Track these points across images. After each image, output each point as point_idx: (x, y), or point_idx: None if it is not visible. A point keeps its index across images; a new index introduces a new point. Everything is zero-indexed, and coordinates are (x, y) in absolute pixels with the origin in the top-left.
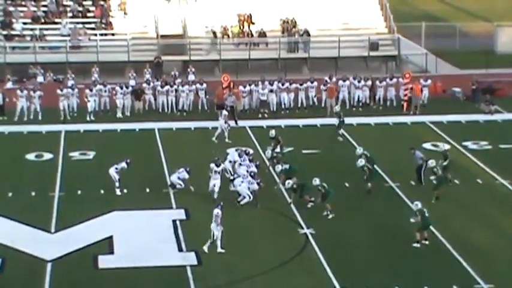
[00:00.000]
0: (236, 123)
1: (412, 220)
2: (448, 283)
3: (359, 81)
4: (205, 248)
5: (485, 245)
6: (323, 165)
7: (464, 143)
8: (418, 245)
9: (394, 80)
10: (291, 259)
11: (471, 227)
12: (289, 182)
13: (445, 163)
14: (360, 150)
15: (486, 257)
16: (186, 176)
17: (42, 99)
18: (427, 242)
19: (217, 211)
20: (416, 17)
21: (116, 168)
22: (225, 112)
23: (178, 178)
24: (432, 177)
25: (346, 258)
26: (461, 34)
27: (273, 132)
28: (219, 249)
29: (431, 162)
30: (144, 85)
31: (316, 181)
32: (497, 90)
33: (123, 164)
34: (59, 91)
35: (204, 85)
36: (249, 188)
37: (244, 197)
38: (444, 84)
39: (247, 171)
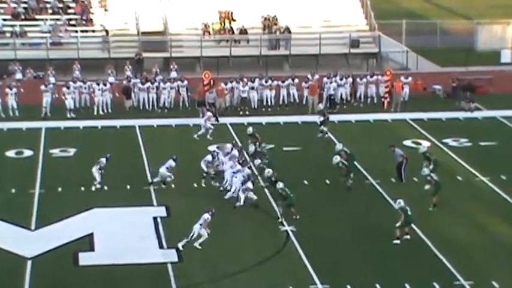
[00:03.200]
0: (217, 120)
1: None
2: (428, 280)
3: (341, 79)
4: (179, 245)
5: (465, 242)
6: (304, 162)
7: (445, 140)
8: (398, 242)
9: (375, 77)
10: (272, 256)
11: (451, 224)
12: (269, 171)
13: (431, 166)
14: (339, 146)
15: (466, 253)
16: (173, 164)
17: (21, 96)
18: (408, 237)
19: (207, 216)
20: (397, 15)
21: (100, 169)
22: (209, 113)
23: (167, 169)
24: (427, 187)
25: (327, 256)
26: (441, 32)
27: (250, 130)
28: (196, 244)
29: (423, 171)
30: (134, 81)
31: (280, 185)
32: (477, 88)
33: (103, 160)
34: (42, 87)
35: (185, 82)
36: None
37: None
38: (425, 81)
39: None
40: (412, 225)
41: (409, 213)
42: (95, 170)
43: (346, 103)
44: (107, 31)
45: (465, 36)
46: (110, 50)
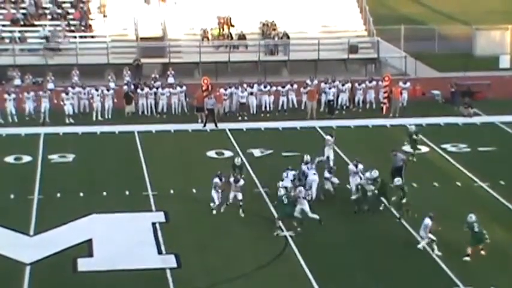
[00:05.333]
0: (216, 125)
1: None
2: (427, 285)
3: (343, 85)
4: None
5: (464, 247)
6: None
7: (443, 146)
8: (468, 259)
9: (374, 82)
10: (271, 261)
11: (450, 229)
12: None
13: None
14: (375, 173)
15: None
16: (218, 181)
17: (18, 101)
18: (482, 252)
19: (216, 180)
20: (395, 20)
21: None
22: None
23: (216, 189)
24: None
25: (326, 261)
26: (440, 37)
27: (239, 161)
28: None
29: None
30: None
31: (281, 191)
32: (475, 93)
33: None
34: (41, 93)
35: (184, 88)
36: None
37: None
38: (423, 87)
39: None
40: (410, 230)
41: (476, 230)
42: (214, 193)
43: (345, 108)
44: None
45: (463, 42)
46: (108, 55)
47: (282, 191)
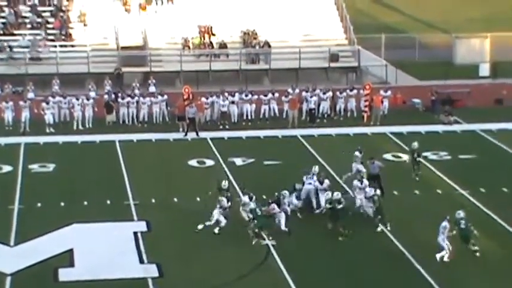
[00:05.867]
0: (197, 134)
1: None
2: None
3: (324, 93)
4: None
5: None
6: (284, 176)
7: (424, 154)
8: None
9: (355, 91)
10: (253, 270)
11: (431, 236)
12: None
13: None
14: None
15: (446, 266)
16: (247, 199)
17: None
18: (476, 248)
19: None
20: (376, 29)
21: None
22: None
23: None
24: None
25: (307, 268)
26: (420, 45)
27: (226, 184)
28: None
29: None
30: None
31: (251, 205)
32: (456, 101)
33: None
34: (21, 103)
35: (165, 97)
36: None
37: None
38: (404, 95)
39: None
40: (392, 238)
41: (462, 226)
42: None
43: (326, 117)
44: None
45: (443, 50)
46: (89, 65)
47: (252, 204)
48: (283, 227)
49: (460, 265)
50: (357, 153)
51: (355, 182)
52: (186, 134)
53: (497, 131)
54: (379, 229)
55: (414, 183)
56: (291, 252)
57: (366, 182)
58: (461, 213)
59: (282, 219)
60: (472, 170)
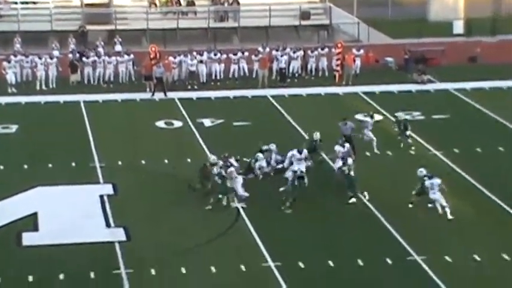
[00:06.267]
0: (165, 94)
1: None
2: (381, 256)
3: (294, 52)
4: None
5: (418, 216)
6: (254, 137)
7: (397, 114)
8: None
9: (326, 49)
10: (222, 234)
11: (404, 198)
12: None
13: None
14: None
15: (419, 228)
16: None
17: None
18: (430, 205)
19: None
20: None
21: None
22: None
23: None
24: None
25: (278, 233)
26: (393, 3)
27: (215, 158)
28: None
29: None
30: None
31: (213, 170)
32: (429, 60)
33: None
34: None
35: (131, 56)
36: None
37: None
38: (376, 53)
39: None
40: (365, 201)
41: (426, 183)
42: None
43: (297, 76)
44: None
45: (417, 7)
46: (52, 22)
47: (214, 169)
48: (240, 192)
49: (432, 227)
50: (367, 118)
51: (337, 147)
52: (153, 94)
53: (472, 90)
54: (351, 201)
55: (387, 144)
56: (261, 216)
57: (348, 146)
58: (423, 171)
59: (238, 184)
60: (446, 130)
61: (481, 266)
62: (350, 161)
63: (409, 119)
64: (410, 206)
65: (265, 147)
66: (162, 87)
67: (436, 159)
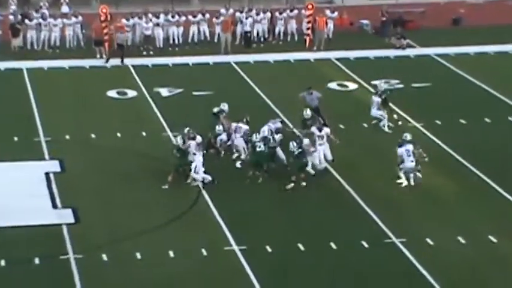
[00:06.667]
0: (122, 62)
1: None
2: (356, 238)
3: (258, 14)
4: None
5: (396, 196)
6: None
7: (374, 82)
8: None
9: (296, 11)
10: (182, 215)
11: (381, 176)
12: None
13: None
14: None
15: (397, 209)
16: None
17: None
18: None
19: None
20: None
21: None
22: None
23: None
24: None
25: (243, 214)
26: None
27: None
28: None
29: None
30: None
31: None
32: (408, 22)
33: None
34: None
35: (80, 18)
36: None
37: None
38: (351, 16)
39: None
40: (338, 178)
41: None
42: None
43: (263, 41)
44: None
45: None
46: None
47: (178, 141)
48: (192, 173)
49: (411, 208)
50: (375, 97)
51: (313, 129)
52: (107, 61)
53: (455, 55)
54: (289, 186)
55: (362, 115)
56: (224, 195)
57: (326, 130)
58: (408, 136)
59: (198, 162)
60: (427, 99)
61: (466, 249)
62: (306, 141)
63: (387, 88)
64: (399, 181)
65: (216, 109)
66: (122, 54)
67: (416, 132)
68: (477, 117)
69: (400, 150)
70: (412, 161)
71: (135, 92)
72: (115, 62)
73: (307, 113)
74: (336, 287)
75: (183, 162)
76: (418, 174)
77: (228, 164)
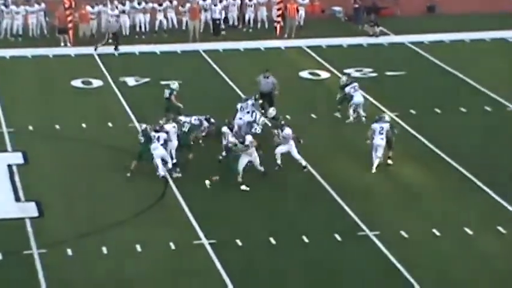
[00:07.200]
0: (116, 49)
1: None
2: (328, 232)
3: (226, 0)
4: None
5: (370, 187)
6: (184, 98)
7: (347, 70)
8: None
9: None
10: (148, 208)
11: (354, 167)
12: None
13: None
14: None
15: (371, 201)
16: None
17: None
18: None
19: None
20: None
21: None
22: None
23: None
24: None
25: (213, 207)
26: None
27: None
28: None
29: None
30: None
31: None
32: (382, 9)
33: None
34: None
35: (43, 5)
36: None
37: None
38: (323, 2)
39: None
40: (310, 168)
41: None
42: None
43: (232, 28)
44: None
45: None
46: None
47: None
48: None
49: (385, 200)
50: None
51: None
52: (116, 48)
53: (430, 43)
54: (243, 187)
55: (333, 105)
56: (193, 188)
57: (287, 131)
58: (386, 117)
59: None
60: (401, 88)
61: (441, 241)
62: (232, 139)
63: (360, 77)
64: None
65: (167, 92)
66: (116, 41)
67: (391, 122)
68: (452, 106)
69: (374, 126)
70: (382, 139)
71: (101, 81)
72: (85, 50)
73: (271, 111)
74: (308, 281)
75: (140, 152)
76: (379, 154)
77: (197, 156)
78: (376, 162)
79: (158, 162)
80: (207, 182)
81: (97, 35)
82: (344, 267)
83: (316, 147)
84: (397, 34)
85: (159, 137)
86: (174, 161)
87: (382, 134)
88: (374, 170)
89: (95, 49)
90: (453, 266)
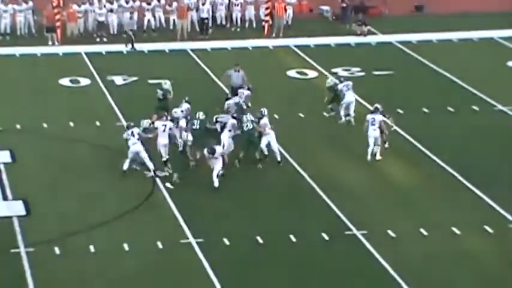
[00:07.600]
0: (133, 47)
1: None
2: (315, 230)
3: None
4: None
5: (357, 186)
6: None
7: (334, 70)
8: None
9: None
10: (136, 207)
11: (341, 166)
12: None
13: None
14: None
15: (358, 200)
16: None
17: None
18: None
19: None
20: None
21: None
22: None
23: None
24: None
25: (200, 206)
26: None
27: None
28: None
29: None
30: None
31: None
32: (370, 9)
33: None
34: None
35: (31, 4)
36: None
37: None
38: (310, 1)
39: None
40: (297, 167)
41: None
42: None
43: (220, 27)
44: None
45: None
46: None
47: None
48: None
49: (372, 199)
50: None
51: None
52: (133, 46)
53: (418, 43)
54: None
55: (321, 104)
56: (180, 186)
57: (264, 121)
58: (379, 107)
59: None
60: (389, 88)
61: (428, 241)
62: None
63: (348, 76)
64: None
65: (161, 93)
66: (131, 39)
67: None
68: (440, 106)
69: (368, 117)
70: (374, 130)
71: (89, 80)
72: (73, 49)
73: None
74: (295, 280)
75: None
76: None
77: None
78: (369, 151)
79: (130, 156)
80: (168, 184)
81: (85, 34)
82: (331, 267)
83: (303, 147)
84: (384, 33)
85: (133, 132)
86: (164, 158)
87: (374, 125)
88: (369, 158)
89: (132, 47)
90: (441, 265)
